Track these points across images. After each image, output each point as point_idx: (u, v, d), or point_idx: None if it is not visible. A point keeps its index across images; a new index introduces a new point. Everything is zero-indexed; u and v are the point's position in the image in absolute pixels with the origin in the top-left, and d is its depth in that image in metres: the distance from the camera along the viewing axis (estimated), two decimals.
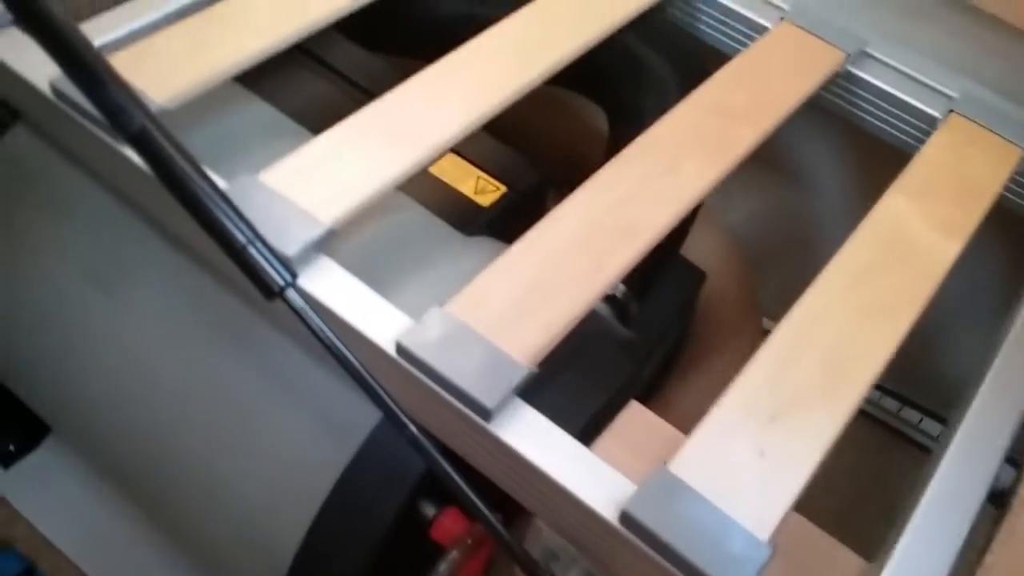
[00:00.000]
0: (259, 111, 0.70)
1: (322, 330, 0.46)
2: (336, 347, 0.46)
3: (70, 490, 0.82)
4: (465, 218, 0.68)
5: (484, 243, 0.67)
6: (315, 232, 0.53)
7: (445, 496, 0.55)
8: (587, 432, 0.54)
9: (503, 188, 0.71)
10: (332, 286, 0.52)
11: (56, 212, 0.67)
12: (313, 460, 0.58)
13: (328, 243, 0.54)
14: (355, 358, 0.45)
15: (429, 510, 0.56)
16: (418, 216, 0.67)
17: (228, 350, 0.62)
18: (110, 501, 0.81)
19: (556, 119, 0.90)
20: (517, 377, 0.48)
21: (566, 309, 0.52)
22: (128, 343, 0.64)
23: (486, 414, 0.47)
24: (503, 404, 0.48)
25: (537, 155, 0.74)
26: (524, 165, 0.73)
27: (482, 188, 0.71)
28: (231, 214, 0.45)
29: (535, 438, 0.48)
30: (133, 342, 0.64)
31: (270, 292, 0.45)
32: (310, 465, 0.58)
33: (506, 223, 0.67)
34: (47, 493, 0.84)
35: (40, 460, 0.85)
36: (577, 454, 0.48)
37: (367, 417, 0.56)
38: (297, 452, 0.59)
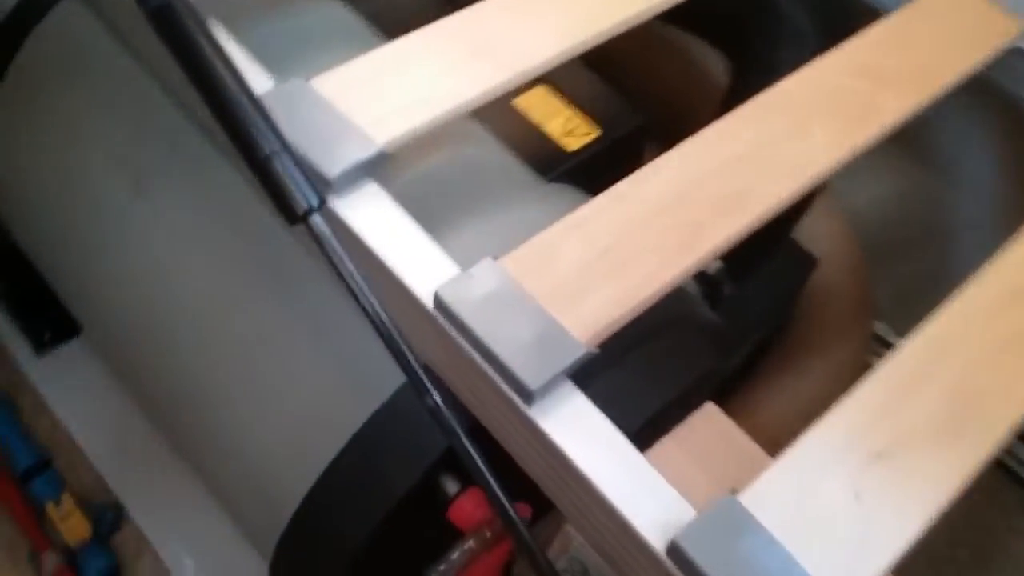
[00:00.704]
0: (330, 9, 0.63)
1: (348, 268, 0.39)
2: (361, 289, 0.39)
3: (98, 389, 0.82)
4: (547, 161, 0.61)
5: (564, 192, 0.60)
6: (364, 152, 0.46)
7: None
8: (645, 433, 0.46)
9: (596, 131, 0.63)
10: (373, 217, 0.45)
11: (100, 98, 0.62)
12: (333, 409, 0.52)
13: (378, 167, 0.47)
14: (381, 306, 0.39)
15: (451, 487, 0.50)
16: (491, 151, 0.59)
17: (261, 276, 0.56)
18: (136, 408, 0.77)
19: (666, 61, 0.82)
20: (571, 357, 0.41)
21: (644, 284, 0.44)
22: (159, 252, 0.60)
23: (527, 395, 0.40)
24: (549, 386, 0.40)
25: (639, 99, 0.66)
26: (624, 108, 0.65)
27: (572, 129, 0.63)
28: (257, 118, 0.39)
29: (581, 433, 0.40)
30: (164, 251, 0.60)
31: (292, 215, 0.39)
32: (329, 414, 0.53)
33: (594, 172, 0.60)
34: (75, 388, 0.84)
35: (73, 353, 0.84)
36: (629, 460, 0.40)
37: (395, 375, 0.49)
38: (317, 397, 0.54)
